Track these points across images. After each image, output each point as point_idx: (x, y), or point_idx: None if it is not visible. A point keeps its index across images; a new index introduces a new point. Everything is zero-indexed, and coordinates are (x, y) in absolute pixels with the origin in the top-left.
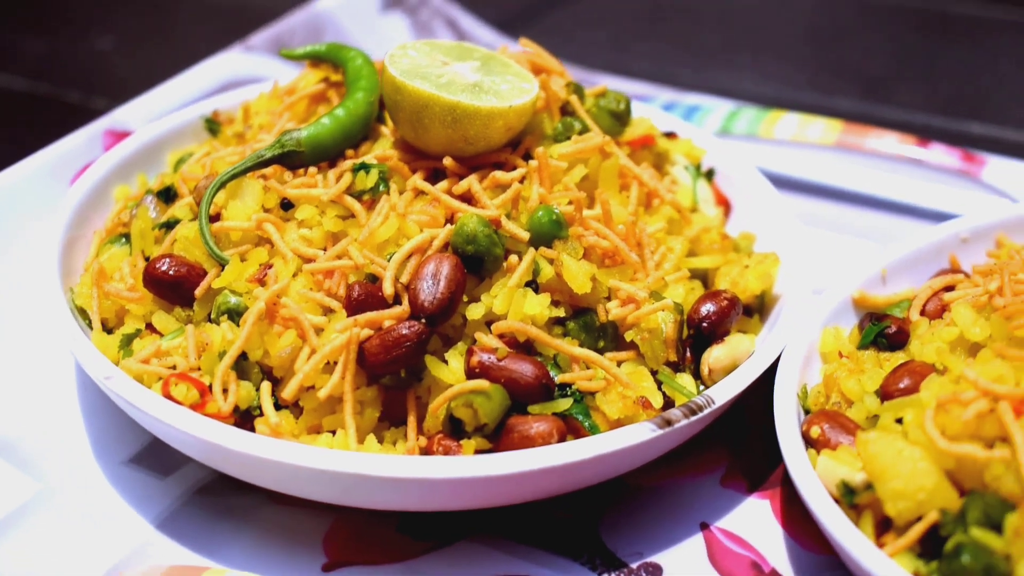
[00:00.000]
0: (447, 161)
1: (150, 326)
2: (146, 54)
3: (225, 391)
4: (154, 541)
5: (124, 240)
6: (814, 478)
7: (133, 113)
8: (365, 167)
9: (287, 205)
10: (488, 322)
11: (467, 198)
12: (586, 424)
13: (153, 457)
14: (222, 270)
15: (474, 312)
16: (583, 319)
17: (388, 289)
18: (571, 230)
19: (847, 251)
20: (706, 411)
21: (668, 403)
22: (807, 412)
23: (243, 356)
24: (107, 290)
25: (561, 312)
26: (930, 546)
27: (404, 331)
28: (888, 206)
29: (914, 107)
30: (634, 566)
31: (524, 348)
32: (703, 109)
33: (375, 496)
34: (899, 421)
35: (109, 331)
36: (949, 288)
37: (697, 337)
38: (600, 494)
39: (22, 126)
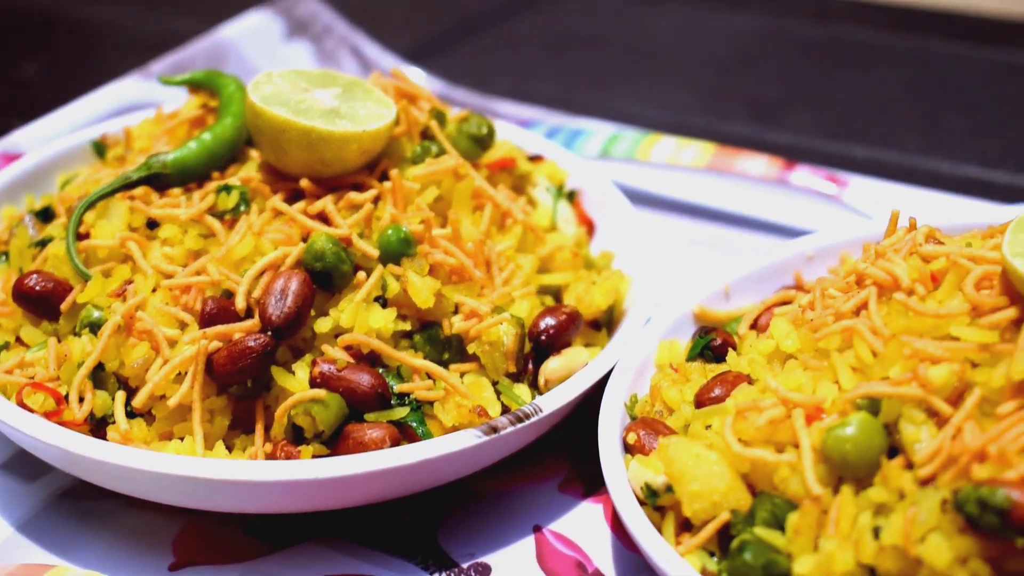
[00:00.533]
0: (304, 183)
1: (20, 339)
2: (69, 81)
3: (81, 400)
4: (12, 542)
5: (4, 258)
6: (623, 481)
7: (28, 136)
8: (227, 188)
9: (153, 224)
10: (337, 335)
11: (324, 218)
12: (420, 431)
13: (21, 463)
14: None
15: (322, 326)
16: (428, 332)
17: (240, 303)
18: (419, 248)
19: (703, 268)
20: (533, 419)
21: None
22: (634, 420)
23: (100, 367)
24: None
25: (408, 326)
26: (725, 545)
27: (251, 343)
28: (755, 225)
29: (802, 131)
30: (465, 566)
31: (369, 360)
32: (586, 133)
33: (214, 499)
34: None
35: None
36: (786, 303)
37: (537, 349)
38: (442, 499)
39: None
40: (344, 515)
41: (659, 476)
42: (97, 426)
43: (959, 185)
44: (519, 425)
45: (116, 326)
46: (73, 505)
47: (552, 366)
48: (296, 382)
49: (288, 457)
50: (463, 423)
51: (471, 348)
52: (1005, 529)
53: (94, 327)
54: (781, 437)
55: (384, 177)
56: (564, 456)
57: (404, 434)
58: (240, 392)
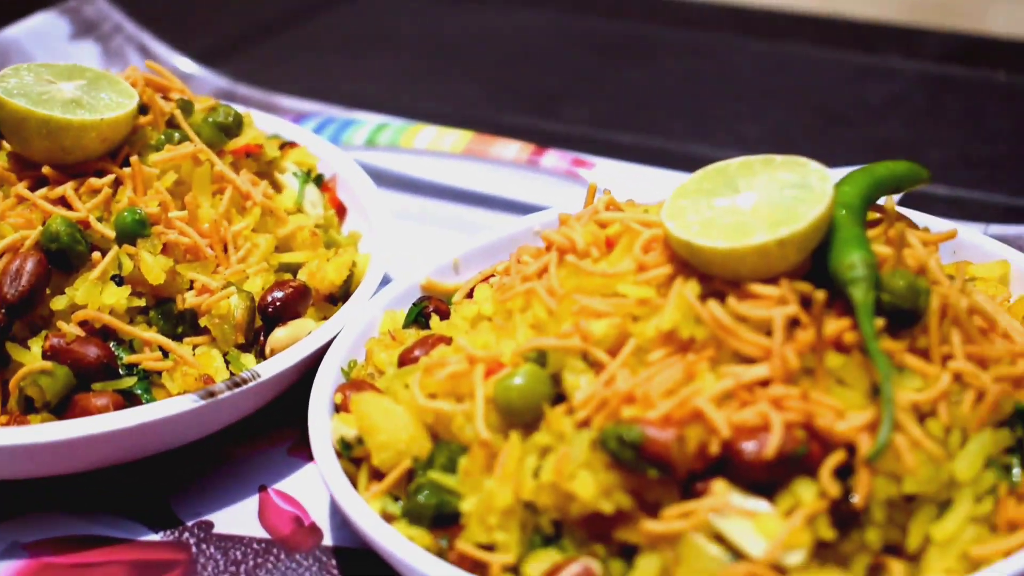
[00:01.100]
0: (45, 169)
1: None
2: None
3: None
4: None
5: None
6: (324, 437)
7: None
8: None
9: None
10: (74, 312)
11: (66, 202)
12: (145, 399)
13: None
14: None
15: (58, 303)
16: (163, 308)
17: None
18: (155, 229)
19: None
20: (251, 384)
21: None
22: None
23: None
24: None
25: (143, 302)
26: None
27: None
28: (505, 205)
29: (578, 121)
30: (189, 524)
31: (103, 335)
32: (356, 123)
33: None
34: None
35: None
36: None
37: (267, 321)
38: (178, 465)
39: None
40: (86, 483)
41: (352, 430)
42: None
43: None
44: (236, 390)
45: None
46: None
47: (278, 335)
48: (31, 356)
49: (19, 425)
50: (190, 391)
51: (202, 321)
52: (640, 462)
53: None
54: (463, 390)
55: (126, 163)
56: (296, 422)
57: (132, 402)
58: None
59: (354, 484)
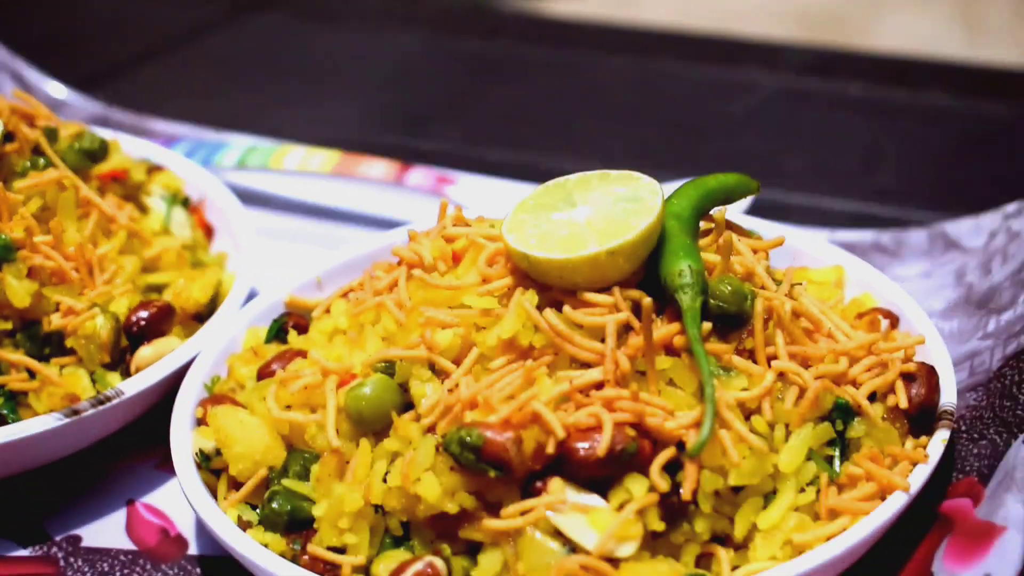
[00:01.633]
0: None
1: None
2: None
3: None
4: None
5: None
6: (185, 450)
7: None
8: None
9: None
10: None
11: None
12: (11, 419)
13: None
14: None
15: None
16: (30, 331)
17: None
18: (21, 253)
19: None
20: (115, 401)
21: None
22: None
23: None
24: None
25: (9, 325)
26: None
27: None
28: (372, 222)
29: (448, 140)
30: (57, 538)
31: None
32: (226, 146)
33: None
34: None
35: None
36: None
37: (132, 340)
38: (52, 483)
39: None
40: None
41: (210, 442)
42: None
43: None
44: (100, 408)
45: None
46: None
47: (143, 354)
48: None
49: None
50: (56, 410)
51: (69, 342)
52: (480, 464)
53: None
54: (316, 400)
55: None
56: (164, 438)
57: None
58: None
59: (214, 494)
